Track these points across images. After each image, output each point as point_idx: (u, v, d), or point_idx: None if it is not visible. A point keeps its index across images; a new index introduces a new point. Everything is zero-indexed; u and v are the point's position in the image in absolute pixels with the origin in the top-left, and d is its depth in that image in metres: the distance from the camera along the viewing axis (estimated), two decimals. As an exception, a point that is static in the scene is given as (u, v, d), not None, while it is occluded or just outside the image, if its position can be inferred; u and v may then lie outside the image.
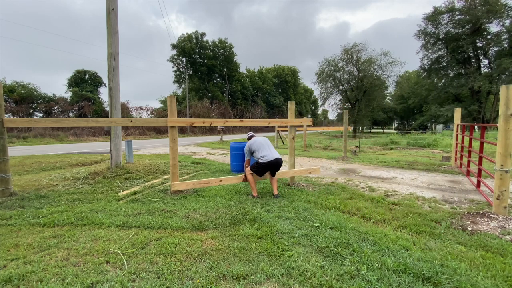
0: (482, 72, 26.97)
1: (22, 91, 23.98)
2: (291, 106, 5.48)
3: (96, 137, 23.01)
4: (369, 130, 55.19)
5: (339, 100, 35.23)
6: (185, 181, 5.37)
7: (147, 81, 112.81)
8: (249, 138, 4.93)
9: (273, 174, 4.58)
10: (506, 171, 3.32)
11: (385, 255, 2.42)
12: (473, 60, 28.10)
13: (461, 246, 2.69)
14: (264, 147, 4.53)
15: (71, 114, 27.08)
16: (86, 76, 30.53)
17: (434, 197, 4.58)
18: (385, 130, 61.41)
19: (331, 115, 77.16)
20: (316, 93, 39.37)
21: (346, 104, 33.88)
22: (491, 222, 3.24)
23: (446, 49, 28.29)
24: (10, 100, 23.29)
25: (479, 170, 4.99)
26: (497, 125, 3.47)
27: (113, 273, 2.15)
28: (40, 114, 25.61)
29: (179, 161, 6.99)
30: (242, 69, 53.00)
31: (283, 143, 16.56)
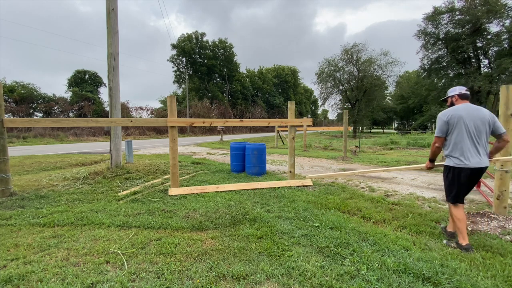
0: (482, 72, 26.97)
1: (22, 91, 23.98)
2: (291, 106, 5.49)
3: (96, 137, 23.01)
4: (369, 130, 55.23)
5: (339, 100, 35.25)
6: (184, 186, 5.38)
7: (147, 81, 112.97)
8: (452, 100, 2.75)
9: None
10: (506, 171, 3.32)
11: (385, 255, 2.42)
12: (473, 60, 28.09)
13: (461, 246, 2.68)
14: (471, 139, 2.55)
15: (71, 114, 27.09)
16: (86, 76, 30.54)
17: (434, 197, 4.58)
18: (385, 130, 61.47)
19: (331, 115, 77.17)
20: (316, 93, 39.41)
21: (346, 104, 33.87)
22: (491, 222, 3.24)
23: (446, 49, 28.28)
24: (10, 100, 23.30)
25: (479, 170, 4.98)
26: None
27: (113, 273, 2.15)
28: (40, 114, 25.61)
29: (179, 161, 6.99)
30: (242, 69, 53.09)
31: (283, 143, 16.56)
